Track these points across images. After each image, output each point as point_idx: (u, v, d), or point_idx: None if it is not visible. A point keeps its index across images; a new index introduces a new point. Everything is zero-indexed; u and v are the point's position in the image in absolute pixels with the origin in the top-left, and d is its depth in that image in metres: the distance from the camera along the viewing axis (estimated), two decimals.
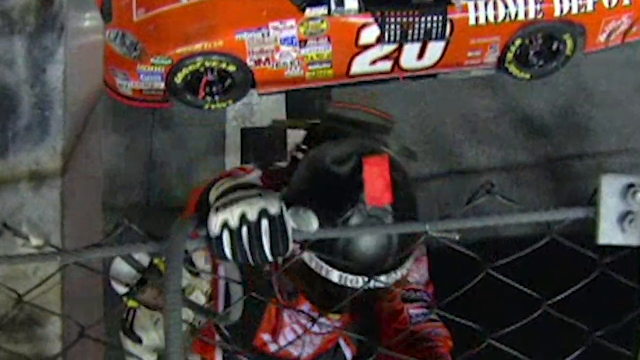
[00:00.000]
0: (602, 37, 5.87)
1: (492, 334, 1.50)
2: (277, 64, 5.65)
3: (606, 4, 5.69)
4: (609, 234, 1.13)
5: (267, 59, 5.60)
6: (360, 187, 1.50)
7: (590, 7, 5.67)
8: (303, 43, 5.57)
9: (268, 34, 5.49)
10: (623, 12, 5.78)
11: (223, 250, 1.31)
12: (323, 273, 1.61)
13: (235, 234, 1.31)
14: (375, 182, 1.49)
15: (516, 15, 5.61)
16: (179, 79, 5.58)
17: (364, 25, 5.54)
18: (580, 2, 5.65)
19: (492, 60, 5.88)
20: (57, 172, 3.77)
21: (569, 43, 5.79)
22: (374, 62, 5.73)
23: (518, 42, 5.74)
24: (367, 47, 5.63)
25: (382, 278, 1.62)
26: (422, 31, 5.55)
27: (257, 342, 2.10)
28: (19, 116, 3.76)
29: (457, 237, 1.33)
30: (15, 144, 3.72)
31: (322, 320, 2.01)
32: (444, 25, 5.56)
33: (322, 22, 5.51)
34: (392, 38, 5.57)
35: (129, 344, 3.85)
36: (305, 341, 2.11)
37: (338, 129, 1.88)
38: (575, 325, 1.46)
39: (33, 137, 3.75)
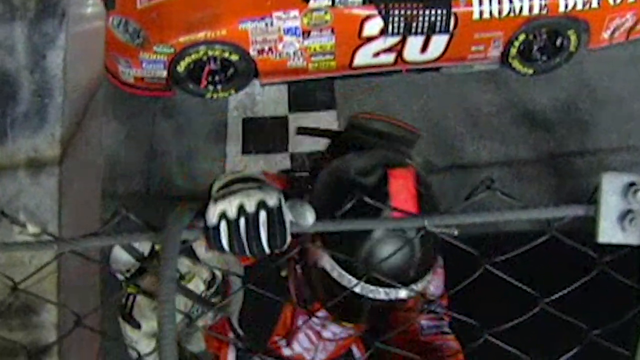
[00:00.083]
0: (606, 34, 5.86)
1: (489, 330, 1.49)
2: (280, 54, 5.64)
3: (611, 1, 5.68)
4: (609, 232, 1.13)
5: (270, 49, 5.59)
6: (385, 199, 1.50)
7: (595, 4, 5.65)
8: (306, 34, 5.56)
9: (271, 24, 5.48)
10: (628, 10, 5.76)
11: (220, 240, 1.31)
12: (344, 283, 1.61)
13: (232, 225, 1.30)
14: (401, 195, 1.49)
15: (520, 10, 5.60)
16: (181, 67, 5.58)
17: (367, 17, 5.53)
18: None
19: (496, 54, 5.87)
20: (56, 160, 3.75)
21: (573, 39, 5.78)
22: (377, 54, 5.72)
23: (522, 37, 5.73)
24: (370, 39, 5.62)
25: (403, 290, 1.62)
26: (426, 24, 5.54)
27: (271, 345, 2.10)
28: (18, 103, 3.74)
29: (455, 233, 1.33)
30: (14, 130, 3.71)
31: (336, 327, 2.02)
32: (448, 19, 5.55)
33: (325, 13, 5.50)
34: (395, 31, 5.56)
35: (127, 329, 3.84)
36: (318, 347, 2.11)
37: (362, 139, 1.88)
38: (574, 324, 1.45)
39: (32, 124, 3.74)
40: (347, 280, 1.61)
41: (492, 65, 5.98)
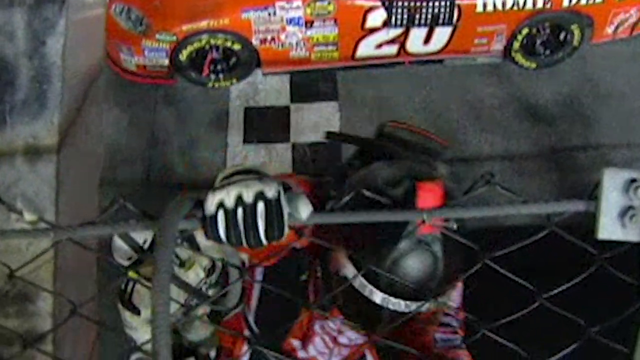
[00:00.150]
0: (610, 29, 5.84)
1: (486, 325, 1.49)
2: (282, 44, 5.63)
3: None
4: (609, 228, 1.12)
5: (272, 39, 5.58)
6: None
7: None
8: (309, 24, 5.54)
9: (274, 14, 5.47)
10: (632, 5, 5.74)
11: (217, 230, 1.30)
12: (366, 293, 1.62)
13: (230, 215, 1.29)
14: (429, 206, 1.48)
15: (524, 3, 5.58)
16: (183, 56, 5.57)
17: (370, 9, 5.51)
18: None
19: (499, 48, 5.85)
20: (54, 147, 3.75)
21: (577, 34, 5.76)
22: (379, 45, 5.71)
23: (525, 31, 5.71)
24: (373, 30, 5.60)
25: (425, 304, 1.61)
26: (429, 16, 5.52)
27: (287, 347, 2.10)
28: (17, 89, 3.74)
29: (455, 227, 1.33)
30: (13, 117, 3.70)
31: (352, 333, 2.01)
32: (452, 11, 5.53)
33: (329, 3, 5.48)
34: (398, 22, 5.54)
35: (127, 315, 3.85)
36: (333, 351, 2.11)
37: (392, 148, 1.87)
38: (573, 320, 1.45)
39: (31, 110, 3.73)
40: (369, 290, 1.61)
41: (495, 58, 5.96)
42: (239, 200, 1.30)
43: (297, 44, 5.64)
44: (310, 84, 5.93)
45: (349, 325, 1.91)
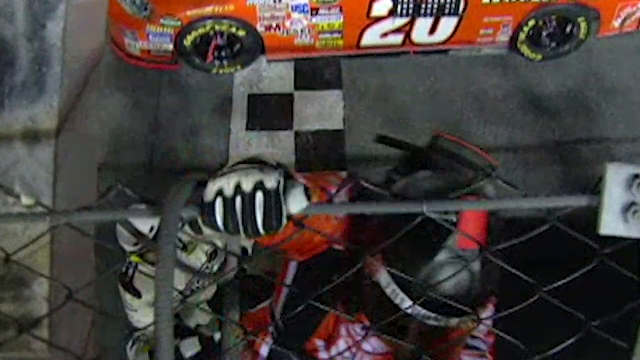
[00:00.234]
0: (616, 23, 5.81)
1: (484, 318, 1.49)
2: (287, 31, 5.61)
3: None
4: (611, 224, 1.11)
5: (277, 26, 5.56)
6: (454, 224, 1.48)
7: None
8: (314, 11, 5.52)
9: (280, 0, 5.44)
10: None
11: (215, 217, 1.29)
12: (397, 301, 1.60)
13: (228, 202, 1.28)
14: (470, 223, 1.47)
15: None
16: (188, 41, 5.55)
17: None
18: None
19: (504, 39, 5.83)
20: (53, 131, 3.73)
21: (583, 26, 5.74)
22: (385, 34, 5.69)
23: (531, 22, 5.69)
24: (379, 19, 5.58)
25: (455, 319, 1.60)
26: (435, 6, 5.50)
27: (310, 346, 2.09)
28: (16, 71, 3.72)
29: (454, 219, 1.31)
30: (11, 100, 3.69)
31: (377, 341, 2.00)
32: (458, 1, 5.50)
33: None
34: (404, 11, 5.52)
35: (127, 297, 3.86)
36: (355, 357, 2.09)
37: (441, 161, 1.85)
38: (574, 315, 1.44)
39: (30, 93, 3.72)
40: (401, 299, 1.60)
41: (501, 49, 5.94)
42: (238, 188, 1.29)
43: (302, 31, 5.62)
44: (314, 71, 5.92)
45: (374, 332, 1.90)
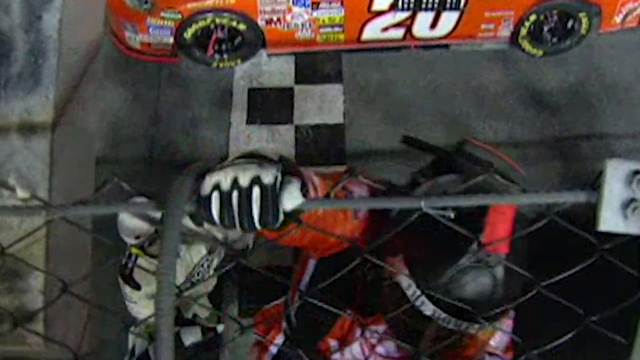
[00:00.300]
0: (618, 18, 5.80)
1: (484, 314, 1.48)
2: (288, 25, 5.60)
3: None
4: (610, 221, 1.10)
5: (278, 20, 5.55)
6: (480, 229, 1.47)
7: None
8: (315, 5, 5.51)
9: None
10: None
11: (211, 211, 1.28)
12: (417, 303, 1.59)
13: (225, 197, 1.28)
14: (498, 228, 1.46)
15: None
16: (188, 34, 5.54)
17: None
18: None
19: (506, 34, 5.81)
20: (49, 123, 3.73)
21: (584, 22, 5.72)
22: (386, 29, 5.68)
23: (533, 17, 5.67)
24: (380, 13, 5.57)
25: (475, 325, 1.59)
26: (436, 0, 5.49)
27: (323, 346, 2.08)
28: (12, 63, 3.72)
29: (452, 216, 1.30)
30: (7, 91, 3.69)
31: (391, 345, 1.99)
32: None
33: None
34: (405, 5, 5.51)
35: (127, 290, 3.86)
36: (368, 359, 2.08)
37: (464, 165, 1.84)
38: (573, 310, 1.44)
39: (26, 85, 3.72)
40: (421, 301, 1.59)
41: (502, 44, 5.93)
42: (235, 183, 1.28)
43: (302, 25, 5.61)
44: (315, 66, 5.91)
45: (390, 335, 1.89)
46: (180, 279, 3.87)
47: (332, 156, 5.36)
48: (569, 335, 1.43)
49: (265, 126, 5.57)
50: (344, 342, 2.05)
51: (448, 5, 5.52)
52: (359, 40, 5.78)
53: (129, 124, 5.56)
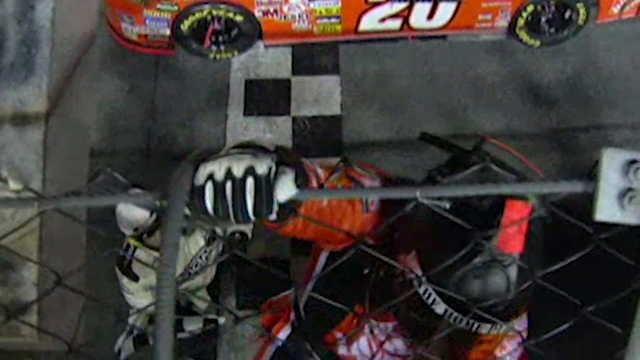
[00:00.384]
0: (615, 9, 5.78)
1: (476, 305, 1.48)
2: (285, 16, 5.58)
3: None
4: (607, 210, 1.10)
5: (275, 11, 5.53)
6: (495, 226, 1.46)
7: None
8: None
9: None
10: None
11: (204, 201, 1.28)
12: (429, 301, 1.58)
13: (219, 187, 1.27)
14: (512, 226, 1.45)
15: None
16: (185, 26, 5.53)
17: None
18: None
19: (503, 25, 5.80)
20: (42, 114, 3.72)
21: (582, 12, 5.71)
22: (383, 19, 5.66)
23: (530, 8, 5.65)
24: (377, 4, 5.55)
25: (486, 325, 1.58)
26: None
27: (330, 338, 2.08)
28: (5, 52, 3.71)
29: (447, 206, 1.30)
30: (0, 81, 3.68)
31: (400, 343, 1.99)
32: None
33: None
34: None
35: (125, 281, 3.86)
36: (375, 356, 2.07)
37: (484, 163, 1.83)
38: (570, 301, 1.44)
39: (19, 75, 3.70)
40: (433, 299, 1.58)
41: (499, 35, 5.92)
42: (229, 173, 1.28)
43: (299, 16, 5.59)
44: (312, 57, 5.90)
45: (400, 332, 1.88)
46: (178, 270, 3.87)
47: (329, 147, 5.36)
48: (566, 326, 1.43)
49: (263, 118, 5.57)
50: (351, 337, 2.05)
51: None
52: (356, 31, 5.76)
53: (125, 116, 5.55)
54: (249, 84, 5.78)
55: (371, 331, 2.03)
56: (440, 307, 1.58)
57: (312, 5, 5.53)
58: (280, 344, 2.20)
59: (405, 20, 5.68)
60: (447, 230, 1.42)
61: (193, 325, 4.02)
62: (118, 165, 4.69)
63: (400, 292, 1.69)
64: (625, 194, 1.08)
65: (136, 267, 3.83)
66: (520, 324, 1.96)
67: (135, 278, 3.84)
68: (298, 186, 1.30)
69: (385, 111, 5.52)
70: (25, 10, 3.71)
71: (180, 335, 4.00)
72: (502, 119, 5.55)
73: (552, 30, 5.82)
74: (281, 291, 2.55)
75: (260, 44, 5.84)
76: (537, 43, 5.88)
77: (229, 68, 5.86)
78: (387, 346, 2.03)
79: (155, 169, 5.00)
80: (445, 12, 5.61)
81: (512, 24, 5.78)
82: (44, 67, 3.72)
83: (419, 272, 1.60)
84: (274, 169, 1.29)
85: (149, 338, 3.96)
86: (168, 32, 5.57)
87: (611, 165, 1.09)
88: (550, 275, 1.49)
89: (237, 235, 4.06)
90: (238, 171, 1.27)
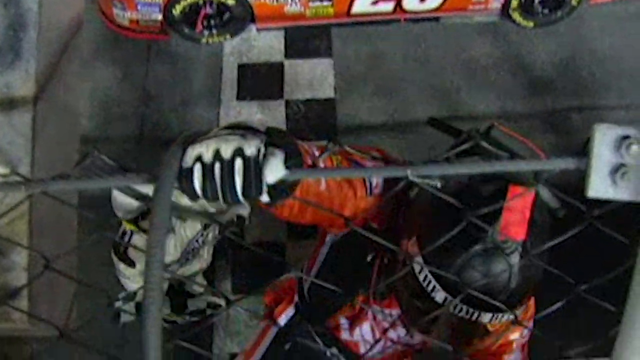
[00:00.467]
0: None
1: (469, 288, 1.47)
2: (277, 0, 5.56)
3: None
4: (599, 187, 1.09)
5: None
6: (497, 212, 1.45)
7: None
8: None
9: None
10: None
11: (193, 183, 1.27)
12: (429, 289, 1.58)
13: (207, 169, 1.26)
14: (515, 213, 1.44)
15: None
16: (177, 10, 5.50)
17: None
18: None
19: (497, 6, 5.78)
20: (30, 98, 3.69)
21: None
22: (375, 2, 5.64)
23: None
24: None
25: (487, 315, 1.57)
26: None
27: (332, 322, 2.07)
28: None
29: (438, 184, 1.29)
30: None
31: (403, 331, 1.98)
32: None
33: None
34: None
35: (121, 267, 3.85)
36: (377, 343, 2.07)
37: (492, 152, 1.82)
38: (563, 278, 1.43)
39: (5, 59, 3.68)
40: (432, 286, 1.57)
41: (492, 17, 5.90)
42: (217, 155, 1.27)
43: None
44: (304, 40, 5.88)
45: (403, 321, 1.88)
46: (176, 254, 3.86)
47: (323, 131, 5.35)
48: (560, 304, 1.43)
49: (256, 102, 5.55)
50: (354, 322, 2.05)
51: None
52: (348, 14, 5.74)
53: (118, 102, 5.53)
54: (242, 68, 5.76)
55: (374, 317, 2.02)
56: (440, 295, 1.58)
57: None
58: (282, 325, 2.20)
59: (398, 3, 5.66)
60: (447, 215, 1.42)
61: (196, 307, 4.02)
62: (112, 152, 4.67)
63: (403, 278, 1.68)
64: (617, 170, 1.08)
65: (132, 253, 3.82)
66: (519, 346, 1.96)
67: (131, 264, 3.82)
68: (288, 167, 1.29)
69: (379, 94, 5.52)
70: None
71: (180, 320, 4.00)
72: (495, 101, 5.54)
73: (546, 11, 5.81)
74: (277, 276, 2.55)
75: (252, 28, 5.82)
76: (531, 24, 5.87)
77: (221, 52, 5.84)
78: (391, 333, 2.03)
79: (149, 155, 4.99)
80: None
81: (506, 5, 5.76)
82: (31, 51, 3.69)
83: (419, 259, 1.59)
84: (262, 150, 1.28)
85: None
86: (160, 17, 5.55)
87: (603, 141, 1.08)
88: (545, 253, 1.48)
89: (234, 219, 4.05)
90: (226, 153, 1.26)
